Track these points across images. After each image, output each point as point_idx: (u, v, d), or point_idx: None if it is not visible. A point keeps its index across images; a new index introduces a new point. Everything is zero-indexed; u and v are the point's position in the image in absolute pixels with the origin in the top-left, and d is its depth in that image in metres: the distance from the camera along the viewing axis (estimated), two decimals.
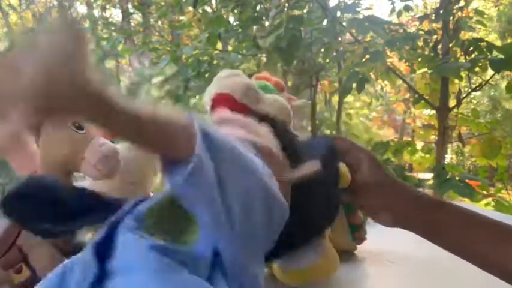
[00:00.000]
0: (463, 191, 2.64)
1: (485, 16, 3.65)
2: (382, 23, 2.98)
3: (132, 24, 7.17)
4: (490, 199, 3.01)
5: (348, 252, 0.77)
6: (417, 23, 4.08)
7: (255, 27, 3.65)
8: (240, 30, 3.51)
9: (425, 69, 3.12)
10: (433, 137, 3.69)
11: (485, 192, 2.98)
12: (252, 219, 0.33)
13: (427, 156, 3.54)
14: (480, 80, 3.33)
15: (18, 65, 0.24)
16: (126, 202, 0.35)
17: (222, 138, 0.34)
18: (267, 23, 3.52)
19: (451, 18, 3.23)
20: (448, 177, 2.75)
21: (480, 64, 2.82)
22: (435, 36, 3.28)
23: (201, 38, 3.43)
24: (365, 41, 3.26)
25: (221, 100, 0.58)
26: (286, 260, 0.51)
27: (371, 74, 3.22)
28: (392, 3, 3.66)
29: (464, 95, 3.34)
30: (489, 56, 2.71)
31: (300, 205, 0.39)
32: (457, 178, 2.73)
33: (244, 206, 0.33)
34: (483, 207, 2.71)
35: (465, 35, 3.73)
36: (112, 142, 0.66)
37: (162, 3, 4.33)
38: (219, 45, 3.75)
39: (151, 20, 6.55)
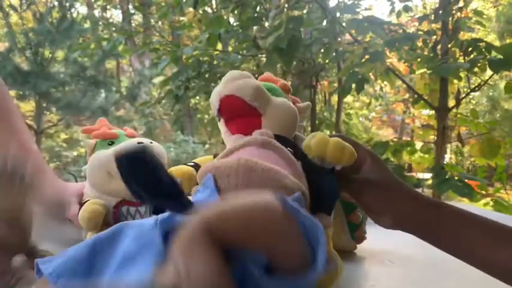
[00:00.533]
0: (462, 191, 2.64)
1: (484, 16, 3.66)
2: (381, 24, 2.98)
3: (133, 24, 7.17)
4: (488, 199, 3.01)
5: (347, 251, 0.77)
6: (416, 23, 4.09)
7: (255, 27, 3.66)
8: (240, 30, 3.51)
9: (425, 69, 3.12)
10: (432, 137, 3.70)
11: (484, 192, 2.98)
12: None
13: (426, 156, 3.54)
14: (479, 80, 3.34)
15: None
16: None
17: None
18: (266, 24, 3.53)
19: (450, 18, 3.24)
20: (447, 177, 2.75)
21: (479, 64, 2.82)
22: (434, 37, 3.28)
23: (201, 38, 3.43)
24: (364, 41, 3.27)
25: (230, 102, 0.55)
26: None
27: (370, 74, 3.22)
28: (392, 4, 3.66)
29: (464, 95, 3.35)
30: (488, 57, 2.71)
31: None
32: (456, 178, 2.73)
33: None
34: (482, 207, 2.71)
35: (464, 36, 3.74)
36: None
37: (163, 4, 4.33)
38: (219, 46, 3.75)
39: (152, 20, 6.55)
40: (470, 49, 2.85)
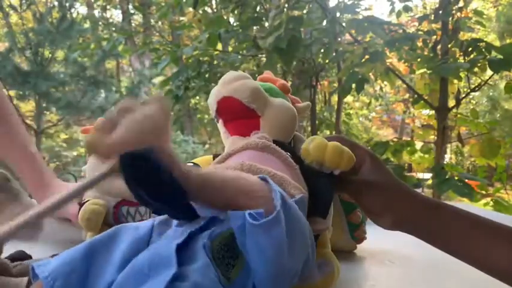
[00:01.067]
0: (462, 191, 2.64)
1: (484, 16, 3.67)
2: (381, 24, 2.99)
3: (133, 24, 7.18)
4: (489, 199, 3.02)
5: (347, 251, 0.78)
6: (416, 23, 4.09)
7: (255, 27, 3.66)
8: (240, 30, 3.52)
9: (425, 69, 3.12)
10: (432, 137, 3.70)
11: (484, 192, 2.99)
12: (298, 267, 0.36)
13: (426, 156, 3.54)
14: (479, 80, 3.34)
15: (117, 122, 0.30)
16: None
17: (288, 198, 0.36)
18: (266, 24, 3.53)
19: (450, 18, 3.24)
20: (447, 177, 2.76)
21: (479, 64, 2.82)
22: (434, 37, 3.28)
23: (201, 38, 3.43)
24: (364, 41, 3.27)
25: (228, 104, 0.55)
26: None
27: (370, 74, 3.22)
28: (392, 4, 3.66)
29: (464, 95, 3.35)
30: (488, 57, 2.71)
31: None
32: (456, 178, 2.73)
33: (299, 257, 0.36)
34: (482, 207, 2.72)
35: (464, 36, 3.74)
36: None
37: (163, 4, 4.34)
38: (219, 46, 3.75)
39: (152, 20, 6.56)
40: (470, 49, 2.85)
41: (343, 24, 3.36)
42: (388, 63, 3.24)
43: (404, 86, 4.20)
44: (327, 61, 3.76)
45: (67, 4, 5.21)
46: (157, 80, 5.72)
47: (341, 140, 0.49)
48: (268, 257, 0.32)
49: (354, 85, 2.85)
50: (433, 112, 3.48)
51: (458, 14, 3.29)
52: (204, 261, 0.31)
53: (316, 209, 0.45)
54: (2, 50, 5.04)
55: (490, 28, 6.08)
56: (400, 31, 3.19)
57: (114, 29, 6.69)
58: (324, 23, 3.36)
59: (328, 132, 4.86)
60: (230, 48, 4.18)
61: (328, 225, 0.46)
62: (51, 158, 5.79)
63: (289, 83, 0.63)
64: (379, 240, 0.74)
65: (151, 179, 0.31)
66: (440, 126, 3.18)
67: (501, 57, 2.59)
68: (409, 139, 3.97)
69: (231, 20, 3.95)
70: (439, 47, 3.21)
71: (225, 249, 0.33)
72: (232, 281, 0.32)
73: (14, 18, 5.87)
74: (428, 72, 3.11)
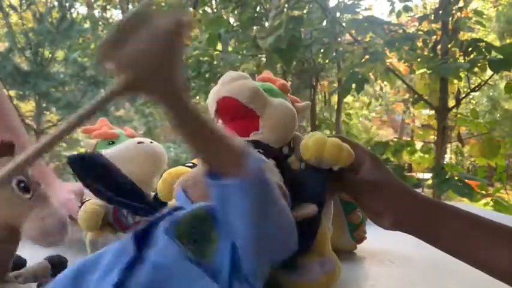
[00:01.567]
0: (462, 191, 2.64)
1: (484, 16, 3.66)
2: (381, 24, 2.99)
3: None
4: (489, 199, 3.02)
5: (347, 251, 0.78)
6: (416, 23, 4.09)
7: (255, 28, 3.66)
8: (240, 30, 3.52)
9: (425, 69, 3.12)
10: (432, 137, 3.70)
11: (484, 192, 2.99)
12: (276, 238, 0.37)
13: (426, 156, 3.54)
14: (479, 80, 3.34)
15: (132, 34, 0.28)
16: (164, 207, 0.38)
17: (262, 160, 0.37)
18: (266, 24, 3.52)
19: (450, 18, 3.24)
20: (447, 177, 2.76)
21: (479, 64, 2.83)
22: (434, 37, 3.28)
23: (201, 38, 3.43)
24: (364, 41, 3.27)
25: (227, 104, 0.55)
26: (290, 271, 0.50)
27: (370, 74, 3.22)
28: (392, 4, 3.66)
29: (464, 95, 3.35)
30: (488, 57, 2.72)
31: None
32: (456, 178, 2.73)
33: (276, 226, 0.36)
34: (482, 207, 2.72)
35: (464, 36, 3.74)
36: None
37: (162, 4, 4.33)
38: (219, 46, 3.75)
39: None
40: (470, 49, 2.86)
41: (343, 24, 3.36)
42: (388, 63, 3.24)
43: (404, 86, 4.20)
44: (327, 61, 3.76)
45: (67, 4, 5.21)
46: None
47: (341, 139, 0.49)
48: (247, 217, 0.33)
49: (354, 85, 2.85)
50: (433, 112, 3.48)
51: (458, 14, 3.29)
52: (164, 243, 0.34)
53: (308, 197, 0.47)
54: (2, 50, 5.04)
55: (490, 28, 6.07)
56: (400, 31, 3.19)
57: None
58: (324, 23, 3.36)
59: (328, 132, 4.86)
60: (230, 48, 4.18)
61: (315, 210, 0.46)
62: (51, 158, 5.78)
63: (289, 83, 0.63)
64: (379, 240, 0.74)
65: (102, 174, 0.35)
66: (440, 126, 3.18)
67: (501, 57, 2.60)
68: (409, 139, 3.98)
69: (231, 20, 3.94)
70: (439, 47, 3.21)
71: (195, 229, 0.35)
72: (209, 256, 0.34)
73: (14, 18, 5.86)
74: (428, 72, 3.11)
